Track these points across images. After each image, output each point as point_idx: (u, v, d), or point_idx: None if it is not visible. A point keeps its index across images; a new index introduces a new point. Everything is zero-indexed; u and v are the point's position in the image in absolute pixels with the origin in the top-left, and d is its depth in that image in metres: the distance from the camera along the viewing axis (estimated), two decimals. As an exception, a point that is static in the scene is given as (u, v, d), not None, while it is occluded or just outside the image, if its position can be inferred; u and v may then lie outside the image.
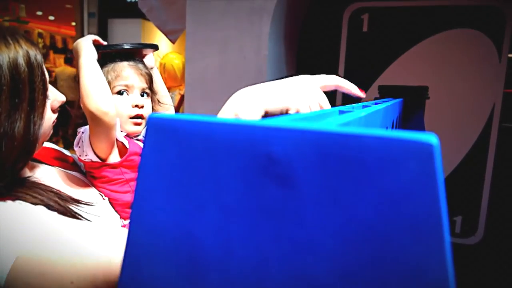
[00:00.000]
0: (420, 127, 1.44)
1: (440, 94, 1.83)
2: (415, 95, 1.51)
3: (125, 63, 0.94)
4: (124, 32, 3.99)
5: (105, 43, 0.90)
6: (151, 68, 0.99)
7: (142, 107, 0.91)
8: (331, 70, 2.01)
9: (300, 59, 2.16)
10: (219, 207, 0.24)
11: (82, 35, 3.90)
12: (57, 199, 0.64)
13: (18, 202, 0.59)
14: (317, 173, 0.21)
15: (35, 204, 0.59)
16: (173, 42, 2.37)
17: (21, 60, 0.58)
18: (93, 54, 0.84)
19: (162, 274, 0.26)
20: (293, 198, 0.22)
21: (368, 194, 0.20)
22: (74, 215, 0.64)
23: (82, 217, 0.66)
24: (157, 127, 0.25)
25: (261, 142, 0.23)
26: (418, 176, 0.20)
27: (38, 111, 0.62)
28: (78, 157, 0.86)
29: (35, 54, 0.61)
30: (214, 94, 1.89)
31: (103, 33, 4.13)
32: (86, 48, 0.85)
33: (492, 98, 1.79)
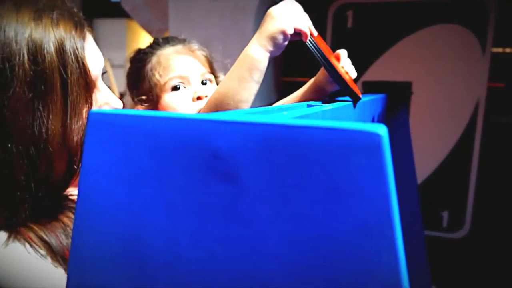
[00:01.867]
0: (404, 123, 1.44)
1: (425, 89, 1.83)
2: (398, 90, 1.51)
3: (170, 49, 0.73)
4: (109, 32, 3.95)
5: (315, 33, 0.62)
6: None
7: (206, 97, 0.70)
8: (317, 67, 2.00)
9: (285, 56, 2.15)
10: (165, 207, 0.23)
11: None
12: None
13: (24, 247, 0.47)
14: (262, 169, 0.20)
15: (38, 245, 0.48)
16: (157, 41, 2.35)
17: (48, 42, 0.47)
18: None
19: (109, 280, 0.25)
20: (239, 196, 0.21)
21: (315, 190, 0.19)
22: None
23: None
24: (98, 124, 0.24)
25: (204, 137, 0.21)
26: (365, 170, 0.18)
27: (77, 112, 0.49)
28: None
29: (73, 41, 0.49)
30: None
31: (88, 34, 4.08)
32: (263, 65, 0.60)
33: (476, 92, 1.79)
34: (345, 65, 0.68)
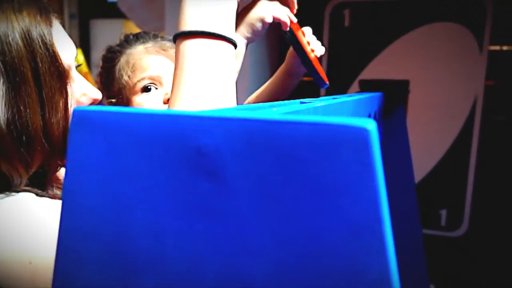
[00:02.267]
0: (402, 122, 1.44)
1: (423, 88, 1.83)
2: (396, 89, 1.51)
3: (140, 48, 0.69)
4: (106, 33, 3.94)
5: (294, 20, 0.59)
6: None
7: None
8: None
9: (282, 55, 2.14)
10: (150, 206, 0.22)
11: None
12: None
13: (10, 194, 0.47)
14: (247, 166, 0.20)
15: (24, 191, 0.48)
16: (154, 41, 2.34)
17: (12, 30, 0.45)
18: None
19: (96, 280, 0.24)
20: (224, 194, 0.20)
21: (302, 187, 0.19)
22: None
23: None
24: (82, 121, 0.23)
25: (189, 133, 0.21)
26: (353, 166, 0.18)
27: (53, 104, 0.47)
28: None
29: (39, 28, 0.46)
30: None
31: (85, 35, 4.07)
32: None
33: (474, 90, 1.79)
34: (311, 42, 0.68)
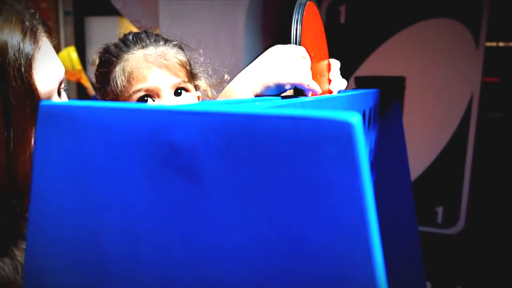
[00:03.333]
0: (398, 118, 1.42)
1: (419, 84, 1.82)
2: (391, 85, 1.50)
3: (138, 54, 0.61)
4: (101, 30, 3.91)
5: (317, 91, 0.52)
6: None
7: None
8: (309, 63, 1.98)
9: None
10: (122, 206, 0.21)
11: (58, 34, 3.78)
12: None
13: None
14: (224, 163, 0.18)
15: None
16: (149, 38, 2.32)
17: None
18: None
19: (67, 286, 0.23)
20: (200, 193, 0.19)
21: (282, 186, 0.17)
22: None
23: None
24: (49, 117, 0.21)
25: (162, 129, 0.19)
26: (336, 163, 0.16)
27: (22, 141, 0.41)
28: None
29: (19, 46, 0.40)
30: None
31: (80, 32, 4.03)
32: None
33: (470, 86, 1.78)
34: (333, 78, 0.63)
